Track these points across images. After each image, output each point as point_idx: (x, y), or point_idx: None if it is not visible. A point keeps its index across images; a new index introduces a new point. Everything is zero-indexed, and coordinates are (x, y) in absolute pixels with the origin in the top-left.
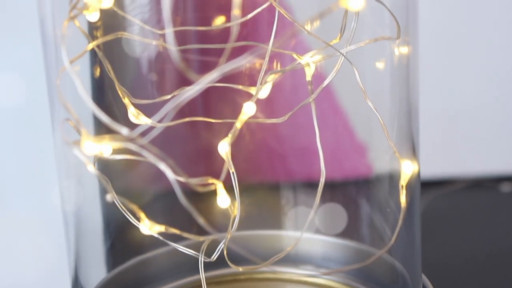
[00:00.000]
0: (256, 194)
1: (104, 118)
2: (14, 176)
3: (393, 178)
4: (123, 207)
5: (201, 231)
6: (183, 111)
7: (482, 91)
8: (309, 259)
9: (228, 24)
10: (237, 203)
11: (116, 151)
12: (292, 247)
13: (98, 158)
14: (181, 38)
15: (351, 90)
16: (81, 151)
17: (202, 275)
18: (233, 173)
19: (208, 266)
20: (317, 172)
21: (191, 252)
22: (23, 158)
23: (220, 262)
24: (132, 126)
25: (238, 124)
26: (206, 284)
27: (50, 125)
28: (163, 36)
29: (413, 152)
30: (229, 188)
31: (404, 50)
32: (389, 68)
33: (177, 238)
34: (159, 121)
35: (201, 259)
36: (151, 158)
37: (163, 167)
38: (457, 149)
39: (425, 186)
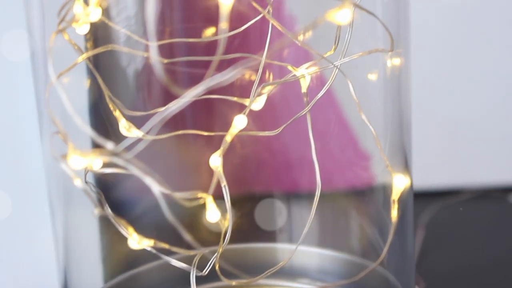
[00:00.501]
0: (248, 205)
1: (90, 132)
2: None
3: (386, 191)
4: (115, 221)
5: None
6: (172, 123)
7: (489, 100)
8: (305, 272)
9: (215, 38)
10: (229, 217)
11: (106, 165)
12: (287, 260)
13: (88, 171)
14: (169, 50)
15: (350, 100)
16: (68, 165)
17: None
18: (224, 186)
19: (200, 280)
20: (314, 182)
21: (183, 266)
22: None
23: (213, 276)
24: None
25: (229, 138)
26: None
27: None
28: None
29: (406, 165)
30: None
31: (397, 61)
32: (382, 80)
33: (170, 251)
34: (150, 134)
35: (193, 273)
36: (136, 172)
37: (149, 181)
38: (463, 159)
39: (431, 196)
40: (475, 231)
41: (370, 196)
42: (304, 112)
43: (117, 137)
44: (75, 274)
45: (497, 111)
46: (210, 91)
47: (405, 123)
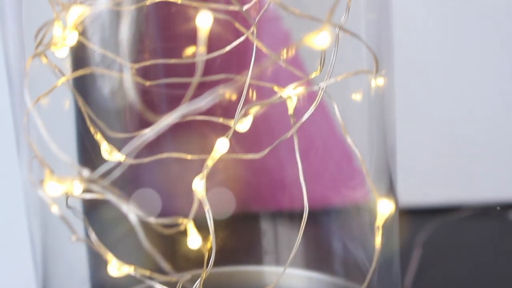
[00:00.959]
0: (233, 226)
1: (64, 157)
2: None
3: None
4: (97, 247)
5: (179, 267)
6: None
7: (489, 116)
8: None
9: (194, 60)
10: (213, 242)
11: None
12: (275, 283)
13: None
14: (150, 69)
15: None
16: (45, 191)
17: None
18: (208, 210)
19: None
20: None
21: None
22: None
23: None
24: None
25: (210, 162)
26: None
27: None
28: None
29: (391, 188)
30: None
31: (380, 82)
32: (366, 100)
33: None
34: (129, 158)
35: None
36: (113, 199)
37: (125, 208)
38: (462, 175)
39: (429, 213)
40: (474, 249)
41: (358, 216)
42: (290, 134)
43: (102, 160)
44: None
45: (496, 127)
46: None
47: (389, 145)
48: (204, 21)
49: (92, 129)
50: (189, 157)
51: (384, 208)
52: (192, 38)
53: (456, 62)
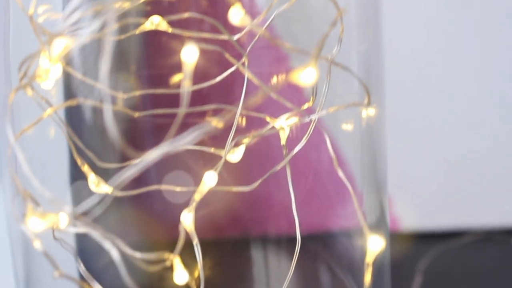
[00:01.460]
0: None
1: (47, 194)
2: None
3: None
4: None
5: None
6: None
7: (493, 140)
8: None
9: (180, 91)
10: (201, 277)
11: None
12: None
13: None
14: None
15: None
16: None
17: None
18: (196, 244)
19: None
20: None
21: None
22: None
23: None
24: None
25: (197, 196)
26: None
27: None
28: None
29: (382, 223)
30: None
31: (372, 112)
32: (358, 131)
33: None
34: (118, 190)
35: None
36: (96, 236)
37: (108, 246)
38: (466, 199)
39: (431, 239)
40: (478, 276)
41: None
42: (283, 165)
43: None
44: None
45: (501, 152)
46: None
47: (381, 180)
48: (189, 55)
49: (79, 161)
50: (177, 189)
51: (375, 245)
52: (180, 66)
53: (459, 83)
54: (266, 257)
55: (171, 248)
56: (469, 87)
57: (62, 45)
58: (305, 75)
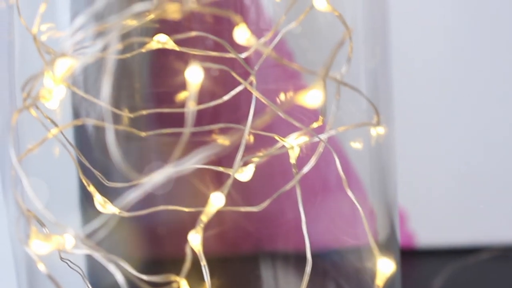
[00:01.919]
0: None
1: (50, 216)
2: None
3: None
4: None
5: None
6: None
7: (510, 153)
8: None
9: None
10: None
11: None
12: None
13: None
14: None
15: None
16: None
17: None
18: (204, 266)
19: None
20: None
21: None
22: None
23: None
24: None
25: (204, 218)
26: None
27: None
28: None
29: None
30: None
31: (381, 131)
32: (367, 151)
33: None
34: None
35: None
36: (100, 258)
37: (112, 269)
38: (483, 215)
39: (448, 255)
40: None
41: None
42: (292, 185)
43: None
44: None
45: None
46: None
47: (391, 198)
48: (194, 75)
49: (84, 181)
50: (185, 209)
51: (385, 268)
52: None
53: (472, 96)
54: (276, 275)
55: (178, 268)
56: (482, 100)
57: (66, 65)
58: (311, 97)
